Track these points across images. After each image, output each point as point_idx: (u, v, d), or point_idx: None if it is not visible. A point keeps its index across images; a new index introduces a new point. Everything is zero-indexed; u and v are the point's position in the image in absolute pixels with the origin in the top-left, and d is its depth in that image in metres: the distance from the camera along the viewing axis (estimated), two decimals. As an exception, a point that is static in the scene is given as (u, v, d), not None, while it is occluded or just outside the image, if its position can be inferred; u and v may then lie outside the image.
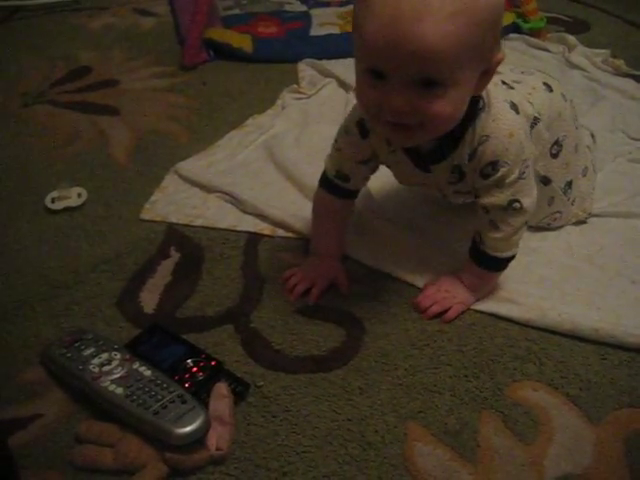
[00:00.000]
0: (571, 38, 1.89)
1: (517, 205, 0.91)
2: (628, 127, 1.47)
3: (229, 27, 1.93)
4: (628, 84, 1.68)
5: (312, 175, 1.22)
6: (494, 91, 0.89)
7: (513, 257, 0.97)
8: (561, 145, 1.03)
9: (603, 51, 1.81)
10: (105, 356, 0.86)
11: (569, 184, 1.09)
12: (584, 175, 1.12)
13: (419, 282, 1.04)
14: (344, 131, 0.97)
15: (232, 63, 1.78)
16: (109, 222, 1.19)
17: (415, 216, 1.18)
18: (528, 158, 0.90)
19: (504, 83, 0.97)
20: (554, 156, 1.03)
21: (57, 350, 0.88)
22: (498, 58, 0.80)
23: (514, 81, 0.99)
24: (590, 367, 0.91)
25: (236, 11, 2.11)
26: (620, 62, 1.75)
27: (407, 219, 1.17)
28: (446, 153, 0.90)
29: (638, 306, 1.00)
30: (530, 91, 0.99)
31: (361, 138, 0.95)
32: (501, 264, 0.98)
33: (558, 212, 1.11)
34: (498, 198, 0.91)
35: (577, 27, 2.08)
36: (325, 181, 1.03)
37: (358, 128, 0.94)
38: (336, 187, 1.02)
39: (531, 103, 0.96)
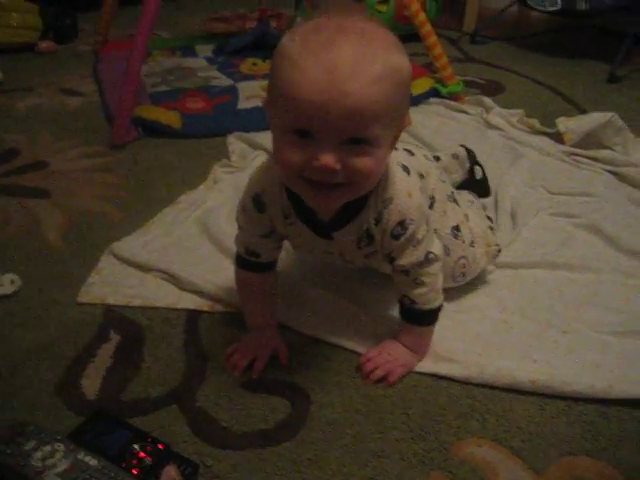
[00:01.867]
0: (487, 100, 2.00)
1: (432, 256, 0.97)
2: (547, 182, 1.56)
3: (157, 104, 1.96)
4: (543, 141, 1.78)
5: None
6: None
7: (442, 305, 1.01)
8: (433, 197, 1.07)
9: (518, 111, 1.92)
10: (48, 448, 0.83)
11: (456, 228, 1.12)
12: (468, 220, 1.16)
13: (358, 348, 1.06)
14: (242, 209, 0.99)
15: (162, 140, 1.81)
16: (45, 308, 1.17)
17: (347, 282, 1.21)
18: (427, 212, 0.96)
19: None
20: (430, 207, 1.06)
21: (-4, 446, 0.85)
22: (407, 122, 0.85)
23: None
24: (531, 419, 0.94)
25: (163, 87, 2.15)
26: (534, 121, 1.85)
27: (339, 285, 1.20)
28: (348, 220, 0.94)
29: (570, 355, 1.04)
30: None
31: (258, 212, 0.96)
32: (435, 315, 1.02)
33: (462, 258, 1.13)
34: (415, 256, 0.95)
35: (492, 89, 2.21)
36: (239, 259, 1.05)
37: (254, 203, 0.96)
38: (250, 263, 1.03)
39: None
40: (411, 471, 0.86)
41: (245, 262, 1.04)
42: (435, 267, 0.98)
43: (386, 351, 1.02)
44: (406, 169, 0.95)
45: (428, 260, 0.96)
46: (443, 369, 1.01)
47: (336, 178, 0.79)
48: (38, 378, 1.01)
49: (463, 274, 1.15)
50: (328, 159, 0.76)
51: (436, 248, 0.98)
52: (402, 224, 0.92)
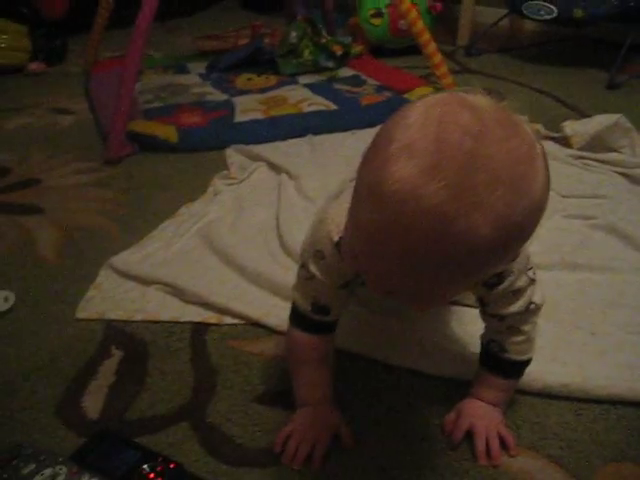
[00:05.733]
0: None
1: (533, 306, 0.82)
2: (558, 186, 1.50)
3: (152, 119, 1.91)
4: (549, 146, 1.73)
5: (253, 258, 1.20)
6: None
7: (531, 359, 0.88)
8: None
9: (521, 117, 1.87)
10: (48, 472, 0.77)
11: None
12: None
13: (413, 364, 0.98)
14: (314, 257, 0.80)
15: (158, 154, 1.75)
16: (41, 325, 1.10)
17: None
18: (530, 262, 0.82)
19: None
20: None
21: (-8, 471, 0.78)
22: None
23: None
24: (567, 425, 0.88)
25: (157, 104, 2.10)
26: (538, 126, 1.81)
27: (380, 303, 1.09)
28: None
29: (602, 358, 0.98)
30: None
31: (342, 259, 0.76)
32: (524, 368, 0.88)
33: None
34: (516, 305, 0.81)
35: (492, 98, 2.17)
36: (298, 319, 0.87)
37: (338, 249, 0.77)
38: (314, 323, 0.85)
39: None
40: (445, 484, 0.80)
41: (307, 322, 0.86)
42: (536, 316, 0.84)
43: (465, 413, 0.87)
44: None
45: (529, 310, 0.82)
46: (470, 375, 0.95)
47: None
48: (36, 399, 0.95)
49: None
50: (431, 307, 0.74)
51: (538, 297, 0.83)
52: (499, 276, 0.77)
